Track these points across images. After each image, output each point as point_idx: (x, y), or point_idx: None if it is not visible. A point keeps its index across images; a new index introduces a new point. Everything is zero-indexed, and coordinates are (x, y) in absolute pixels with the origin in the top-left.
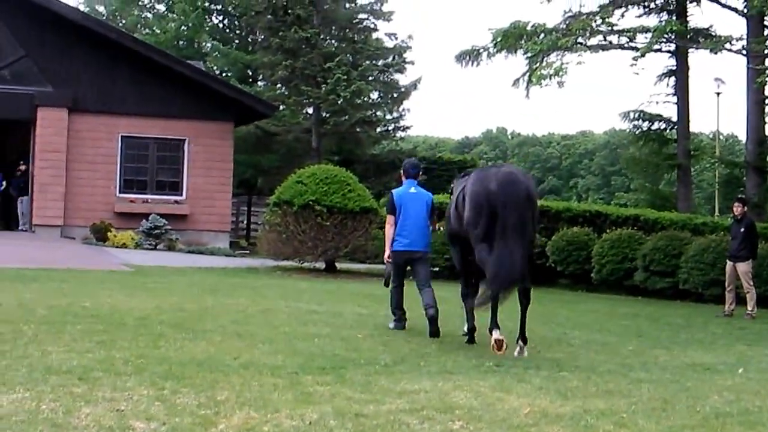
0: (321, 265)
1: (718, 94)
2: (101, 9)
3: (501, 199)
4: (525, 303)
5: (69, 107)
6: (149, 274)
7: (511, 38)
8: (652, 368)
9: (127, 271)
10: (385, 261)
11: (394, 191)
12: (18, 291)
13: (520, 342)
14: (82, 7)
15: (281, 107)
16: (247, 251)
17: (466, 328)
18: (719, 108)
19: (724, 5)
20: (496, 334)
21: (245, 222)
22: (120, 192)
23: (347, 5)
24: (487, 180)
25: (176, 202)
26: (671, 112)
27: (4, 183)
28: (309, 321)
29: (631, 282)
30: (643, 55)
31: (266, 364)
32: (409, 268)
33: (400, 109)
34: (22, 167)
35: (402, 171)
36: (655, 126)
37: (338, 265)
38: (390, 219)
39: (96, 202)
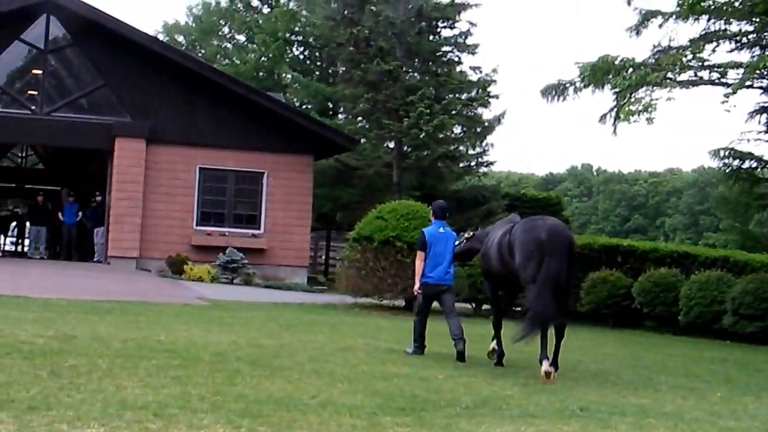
0: (400, 302)
1: None
2: (180, 39)
3: (548, 248)
4: (560, 337)
5: (147, 138)
6: (225, 308)
7: (599, 73)
8: (742, 416)
9: (202, 305)
10: (415, 292)
11: (425, 230)
12: (93, 323)
13: (552, 367)
14: (161, 37)
15: (362, 141)
16: (325, 287)
17: (495, 354)
18: None
19: None
20: (545, 366)
21: (323, 257)
22: (197, 224)
23: (431, 38)
24: (538, 231)
25: (254, 235)
26: (763, 150)
27: (80, 213)
28: (388, 360)
29: (720, 325)
30: (734, 92)
31: (344, 404)
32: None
33: (483, 143)
34: (98, 198)
35: (431, 212)
36: (746, 165)
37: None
38: (420, 255)
39: (172, 234)
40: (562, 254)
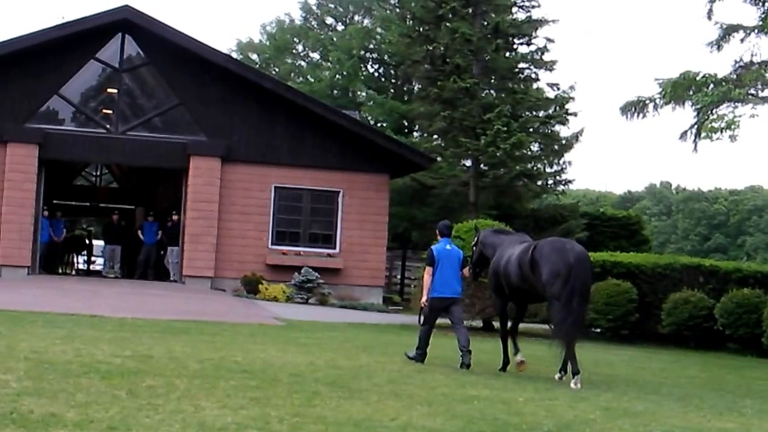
0: (478, 323)
1: None
2: (254, 57)
3: (574, 271)
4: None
5: (222, 156)
6: (301, 328)
7: (679, 89)
8: None
9: (278, 325)
10: (422, 305)
11: (433, 247)
12: (169, 343)
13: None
14: (235, 55)
15: (438, 159)
16: (401, 307)
17: (522, 364)
18: None
19: None
20: (557, 376)
21: (399, 277)
22: (272, 244)
23: (508, 54)
24: (566, 254)
25: (329, 255)
26: None
27: (160, 233)
28: (467, 382)
29: None
30: None
31: (425, 427)
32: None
33: (561, 161)
34: (174, 217)
35: (438, 231)
36: None
37: (495, 324)
38: (428, 270)
39: (247, 253)
40: (586, 278)
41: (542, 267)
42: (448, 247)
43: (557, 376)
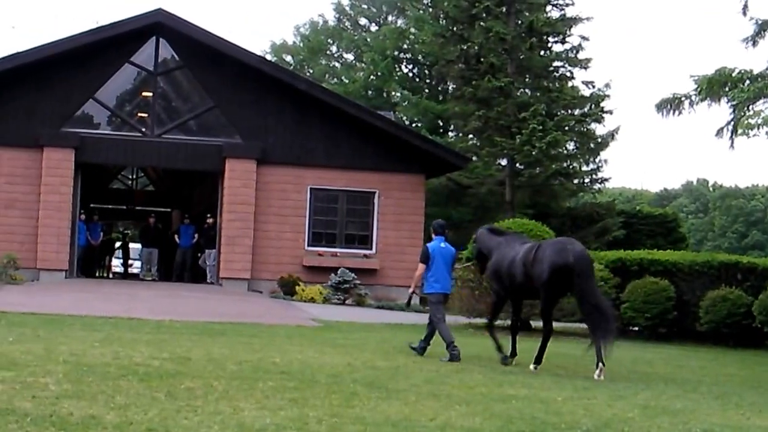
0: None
1: None
2: (288, 59)
3: (577, 270)
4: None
5: (257, 159)
6: (338, 329)
7: (715, 85)
8: None
9: (315, 326)
10: (409, 293)
11: (428, 245)
12: (207, 345)
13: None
14: (269, 57)
15: (474, 159)
16: None
17: (499, 354)
18: None
19: None
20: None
21: None
22: (308, 245)
23: (542, 53)
24: (566, 254)
25: (365, 256)
26: None
27: (196, 235)
28: (505, 382)
29: None
30: None
31: (463, 426)
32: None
33: (597, 160)
34: (210, 220)
35: (432, 229)
36: None
37: (533, 323)
38: (421, 267)
39: (284, 255)
40: (589, 274)
41: (542, 265)
42: (442, 245)
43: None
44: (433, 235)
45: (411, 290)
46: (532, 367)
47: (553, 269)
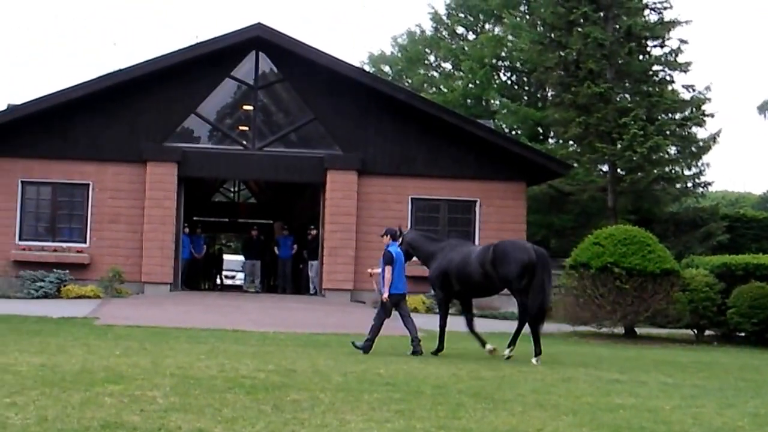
0: (620, 330)
1: None
2: (386, 69)
3: (540, 263)
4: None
5: (358, 170)
6: None
7: None
8: None
9: (420, 336)
10: (384, 300)
11: (391, 249)
12: (312, 357)
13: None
14: (367, 68)
15: (574, 165)
16: None
17: (436, 348)
18: None
19: None
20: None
21: None
22: None
23: (641, 57)
24: (528, 252)
25: None
26: None
27: (295, 246)
28: (612, 391)
29: None
30: None
31: None
32: None
33: (699, 163)
34: (313, 231)
35: (389, 235)
36: None
37: (638, 330)
38: (389, 269)
39: None
40: (548, 268)
41: (509, 264)
42: (398, 249)
43: (506, 351)
44: (390, 240)
45: (385, 295)
46: (506, 351)
47: (523, 266)
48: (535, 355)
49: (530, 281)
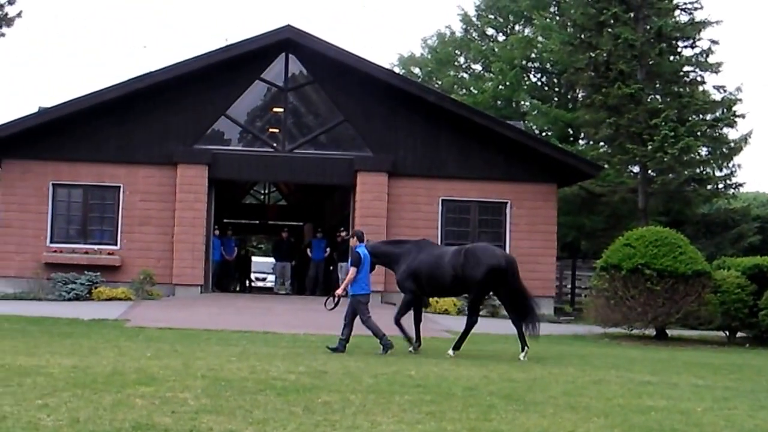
0: (651, 331)
1: None
2: (416, 71)
3: (510, 271)
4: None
5: (388, 171)
6: (473, 341)
7: None
8: None
9: (449, 338)
10: (336, 294)
11: (359, 251)
12: (342, 358)
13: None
14: (397, 70)
15: (605, 166)
16: (572, 317)
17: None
18: None
19: None
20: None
21: (569, 286)
22: None
23: (672, 58)
24: (497, 257)
25: None
26: None
27: (328, 249)
28: (644, 393)
29: None
30: None
31: None
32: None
33: (731, 164)
34: (343, 233)
35: (357, 237)
36: None
37: (669, 332)
38: (353, 270)
39: None
40: (516, 273)
41: (478, 266)
42: (365, 251)
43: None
44: (357, 242)
45: (340, 291)
46: (450, 352)
47: (490, 270)
48: (522, 349)
49: (502, 288)
